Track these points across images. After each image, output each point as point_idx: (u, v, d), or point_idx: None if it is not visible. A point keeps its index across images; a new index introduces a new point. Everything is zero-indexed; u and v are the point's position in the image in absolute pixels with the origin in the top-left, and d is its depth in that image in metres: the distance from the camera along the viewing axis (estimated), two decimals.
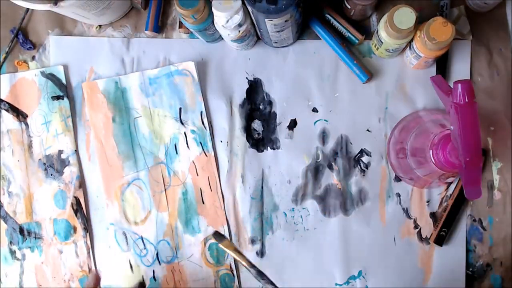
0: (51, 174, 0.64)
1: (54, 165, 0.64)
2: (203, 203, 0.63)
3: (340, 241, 0.62)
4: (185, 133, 0.64)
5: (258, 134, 0.64)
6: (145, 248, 0.63)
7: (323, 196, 0.63)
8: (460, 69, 0.62)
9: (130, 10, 0.66)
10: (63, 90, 0.65)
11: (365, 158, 0.63)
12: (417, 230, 0.62)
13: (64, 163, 0.64)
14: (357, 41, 0.62)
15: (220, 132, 0.64)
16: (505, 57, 0.62)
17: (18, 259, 0.64)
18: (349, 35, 0.62)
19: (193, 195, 0.63)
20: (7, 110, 0.65)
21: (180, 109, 0.64)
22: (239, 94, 0.64)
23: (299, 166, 0.63)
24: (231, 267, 0.63)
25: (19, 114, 0.65)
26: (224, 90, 0.64)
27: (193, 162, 0.63)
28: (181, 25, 0.64)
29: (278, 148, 0.64)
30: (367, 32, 0.63)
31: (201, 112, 0.64)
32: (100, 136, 0.64)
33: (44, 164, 0.64)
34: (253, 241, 0.63)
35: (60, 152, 0.64)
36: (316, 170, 0.63)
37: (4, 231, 0.64)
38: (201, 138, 0.64)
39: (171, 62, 0.65)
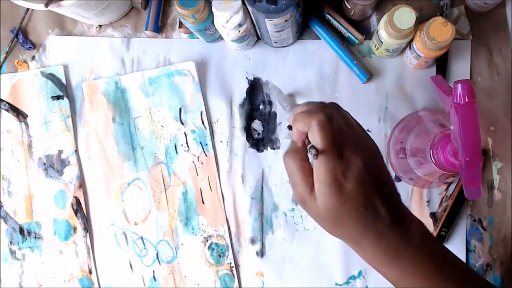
0: (51, 174, 0.64)
1: (54, 165, 0.64)
2: (203, 203, 0.63)
3: (340, 241, 0.62)
4: (185, 133, 0.64)
5: (258, 134, 0.64)
6: (145, 248, 0.63)
7: None
8: (460, 69, 0.62)
9: (130, 10, 0.66)
10: (63, 90, 0.65)
11: None
12: None
13: (64, 163, 0.64)
14: (357, 41, 0.62)
15: (220, 132, 0.64)
16: (505, 57, 0.62)
17: (18, 259, 0.64)
18: (349, 35, 0.62)
19: (193, 195, 0.63)
20: (7, 110, 0.65)
21: (180, 109, 0.64)
22: (239, 94, 0.64)
23: None
24: (231, 267, 0.63)
25: (19, 114, 0.65)
26: (224, 90, 0.64)
27: (193, 162, 0.63)
28: (181, 25, 0.64)
29: (278, 148, 0.64)
30: (367, 32, 0.63)
31: (201, 112, 0.64)
32: (100, 136, 0.64)
33: (44, 164, 0.64)
34: (253, 241, 0.63)
35: (60, 152, 0.64)
36: None
37: (4, 231, 0.64)
38: (201, 138, 0.64)
39: (171, 62, 0.65)
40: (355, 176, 0.35)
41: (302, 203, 0.38)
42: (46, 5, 0.53)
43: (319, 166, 0.35)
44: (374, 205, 0.35)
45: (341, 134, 0.36)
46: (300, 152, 0.38)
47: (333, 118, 0.36)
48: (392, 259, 0.36)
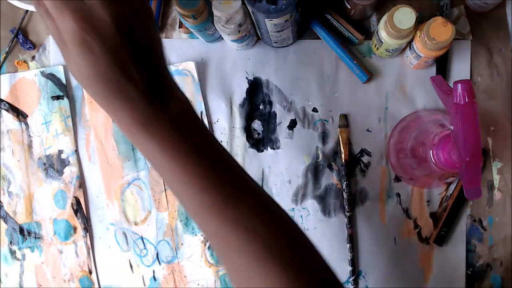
0: (51, 174, 0.64)
1: (54, 165, 0.64)
2: None
3: (340, 241, 0.62)
4: None
5: (258, 134, 0.64)
6: (145, 248, 0.63)
7: (323, 196, 0.63)
8: (460, 69, 0.62)
9: None
10: (63, 90, 0.65)
11: (365, 158, 0.63)
12: (417, 230, 0.62)
13: (64, 163, 0.64)
14: (357, 41, 0.62)
15: (220, 132, 0.64)
16: (505, 57, 0.62)
17: (18, 259, 0.64)
18: (349, 35, 0.62)
19: None
20: (7, 110, 0.65)
21: None
22: (239, 94, 0.64)
23: (299, 166, 0.63)
24: None
25: (19, 114, 0.65)
26: (224, 90, 0.64)
27: None
28: (181, 25, 0.64)
29: (278, 148, 0.64)
30: (367, 32, 0.63)
31: (201, 112, 0.64)
32: (100, 136, 0.64)
33: (44, 164, 0.64)
34: None
35: (60, 152, 0.64)
36: (316, 170, 0.63)
37: (4, 231, 0.64)
38: None
39: (171, 62, 0.65)
40: (101, 34, 0.32)
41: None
42: None
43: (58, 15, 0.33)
44: (125, 69, 0.33)
45: None
46: None
47: None
48: (142, 129, 0.34)
